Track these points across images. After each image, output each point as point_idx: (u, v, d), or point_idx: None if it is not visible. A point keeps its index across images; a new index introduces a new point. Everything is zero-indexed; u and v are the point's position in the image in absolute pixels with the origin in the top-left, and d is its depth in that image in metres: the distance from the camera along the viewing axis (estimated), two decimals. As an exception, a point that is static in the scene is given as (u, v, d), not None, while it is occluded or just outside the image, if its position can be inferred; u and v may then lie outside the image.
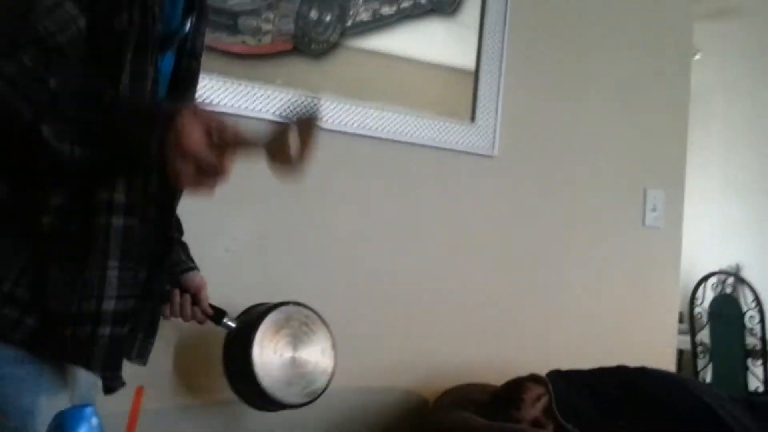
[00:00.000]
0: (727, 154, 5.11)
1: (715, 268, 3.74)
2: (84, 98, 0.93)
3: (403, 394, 1.93)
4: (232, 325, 1.41)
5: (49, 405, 0.98)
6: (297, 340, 1.46)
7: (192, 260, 1.40)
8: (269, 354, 1.40)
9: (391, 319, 1.93)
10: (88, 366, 1.00)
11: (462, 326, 2.02)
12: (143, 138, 0.90)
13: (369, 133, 1.87)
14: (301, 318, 1.48)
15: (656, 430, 1.48)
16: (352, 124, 1.84)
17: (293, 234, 1.83)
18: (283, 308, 1.45)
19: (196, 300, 1.34)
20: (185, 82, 1.18)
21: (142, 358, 1.16)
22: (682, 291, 4.06)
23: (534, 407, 1.57)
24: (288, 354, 1.44)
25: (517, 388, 1.63)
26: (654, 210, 2.29)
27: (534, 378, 1.68)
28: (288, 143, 1.01)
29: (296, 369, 1.44)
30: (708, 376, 3.63)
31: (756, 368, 3.29)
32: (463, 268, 2.03)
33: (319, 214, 1.85)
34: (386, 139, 1.90)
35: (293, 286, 1.81)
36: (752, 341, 3.33)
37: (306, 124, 1.03)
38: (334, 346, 1.51)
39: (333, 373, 1.49)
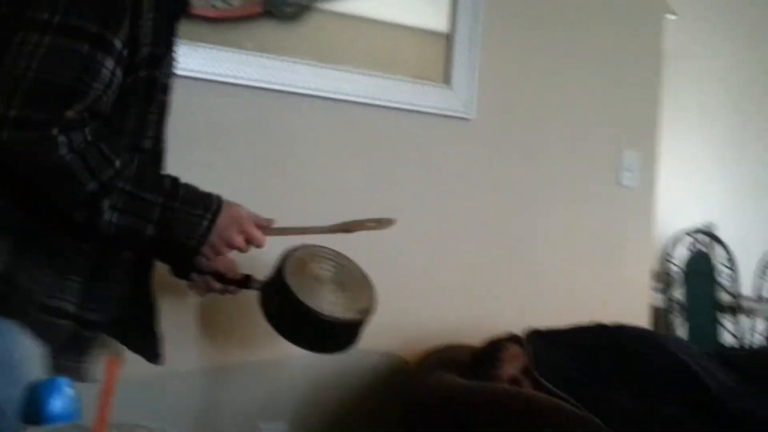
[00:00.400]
0: (703, 114, 5.14)
1: (690, 227, 3.78)
2: (144, 180, 1.03)
3: (384, 356, 1.94)
4: (261, 279, 1.36)
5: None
6: (327, 269, 1.39)
7: None
8: (304, 280, 1.32)
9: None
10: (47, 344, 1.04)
11: (441, 288, 2.03)
12: (195, 225, 1.07)
13: (343, 97, 1.84)
14: (324, 254, 1.42)
15: (633, 385, 1.51)
16: (325, 87, 1.81)
17: (268, 200, 1.81)
18: (301, 249, 1.38)
19: (218, 276, 1.35)
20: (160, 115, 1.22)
21: (156, 357, 1.27)
22: (657, 250, 4.11)
23: (511, 366, 1.59)
24: (323, 279, 1.37)
25: (494, 347, 1.65)
26: (629, 170, 2.30)
27: (511, 337, 1.69)
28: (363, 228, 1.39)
29: (336, 289, 1.37)
30: (682, 333, 3.70)
31: (728, 323, 3.36)
32: (441, 231, 2.04)
33: (293, 180, 1.83)
34: (361, 103, 1.88)
35: (268, 254, 1.80)
36: (725, 297, 3.39)
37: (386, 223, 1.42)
38: (367, 276, 1.44)
39: (376, 295, 1.41)
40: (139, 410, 1.61)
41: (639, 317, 2.32)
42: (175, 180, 1.08)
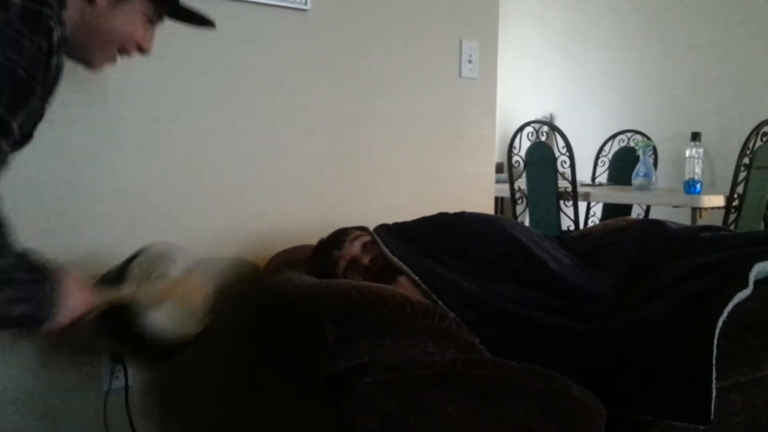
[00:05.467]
0: (542, 3, 5.27)
1: (531, 119, 3.93)
2: (22, 263, 1.02)
3: (234, 262, 1.90)
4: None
5: None
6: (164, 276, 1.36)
7: None
8: (159, 314, 1.30)
9: (212, 189, 1.86)
10: None
11: (288, 189, 1.99)
12: (50, 294, 1.05)
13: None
14: (154, 258, 1.37)
15: (471, 268, 1.56)
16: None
17: (83, 109, 1.66)
18: (132, 264, 1.33)
19: None
20: None
21: None
22: (502, 141, 4.26)
23: (353, 246, 1.61)
24: (168, 299, 1.33)
25: (339, 234, 1.66)
26: (470, 61, 2.31)
27: (359, 228, 1.71)
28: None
29: (182, 300, 1.36)
30: (526, 220, 3.91)
31: (567, 209, 3.57)
32: (282, 130, 1.97)
33: (116, 84, 1.69)
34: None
35: (92, 169, 1.67)
36: (564, 184, 3.59)
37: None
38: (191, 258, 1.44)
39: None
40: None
41: (485, 208, 2.40)
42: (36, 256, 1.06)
